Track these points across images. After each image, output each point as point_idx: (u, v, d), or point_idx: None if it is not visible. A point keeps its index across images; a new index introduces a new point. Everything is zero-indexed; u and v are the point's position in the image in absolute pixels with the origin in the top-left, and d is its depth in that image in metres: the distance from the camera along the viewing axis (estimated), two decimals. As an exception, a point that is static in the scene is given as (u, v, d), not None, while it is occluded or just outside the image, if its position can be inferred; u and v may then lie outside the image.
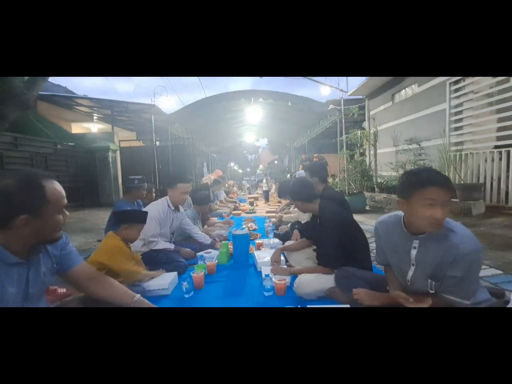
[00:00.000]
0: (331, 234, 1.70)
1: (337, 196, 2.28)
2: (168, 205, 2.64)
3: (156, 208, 2.54)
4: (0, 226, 0.92)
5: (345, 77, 7.42)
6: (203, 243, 2.91)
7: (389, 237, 1.35)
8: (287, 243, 2.49)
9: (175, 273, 2.14)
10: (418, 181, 1.11)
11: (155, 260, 2.35)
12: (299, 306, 1.49)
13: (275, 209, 5.27)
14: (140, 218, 1.98)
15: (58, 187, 1.01)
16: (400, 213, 1.29)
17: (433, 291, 1.22)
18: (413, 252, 1.25)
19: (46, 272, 1.09)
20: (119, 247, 1.85)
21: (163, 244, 2.49)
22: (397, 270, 1.36)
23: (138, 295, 1.34)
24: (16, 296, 0.97)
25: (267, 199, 7.28)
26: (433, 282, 1.20)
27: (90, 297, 1.30)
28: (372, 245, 2.54)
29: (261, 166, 30.65)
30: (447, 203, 1.10)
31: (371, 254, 1.92)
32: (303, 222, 2.97)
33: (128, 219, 1.94)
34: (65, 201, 1.03)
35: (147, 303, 1.35)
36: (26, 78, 3.41)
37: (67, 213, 1.07)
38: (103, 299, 1.26)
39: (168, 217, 2.64)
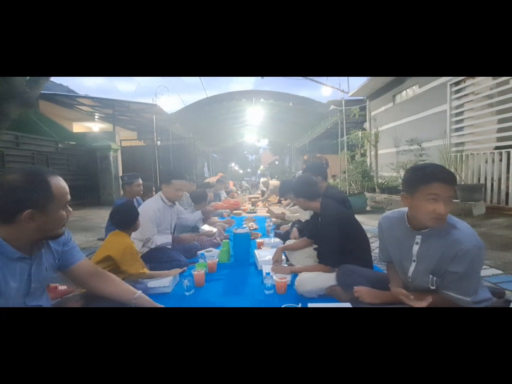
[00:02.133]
0: (332, 232, 1.71)
1: (339, 195, 2.29)
2: (164, 201, 2.57)
3: (151, 208, 2.46)
4: (5, 220, 0.92)
5: (346, 78, 7.42)
6: (197, 223, 2.94)
7: (392, 233, 1.36)
8: (288, 242, 2.50)
9: (176, 271, 2.15)
10: (423, 176, 1.12)
11: (155, 260, 2.36)
12: (300, 304, 1.50)
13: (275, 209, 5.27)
14: (137, 213, 2.04)
15: (62, 183, 1.02)
16: (404, 209, 1.30)
17: (434, 287, 1.22)
18: (415, 248, 1.26)
19: (48, 268, 1.09)
20: (131, 246, 1.87)
21: (160, 239, 2.44)
22: (399, 266, 1.37)
23: (140, 292, 1.34)
24: (18, 291, 0.97)
25: (253, 203, 7.15)
26: (434, 278, 1.21)
27: (91, 293, 1.31)
28: (373, 245, 2.55)
29: (261, 166, 30.63)
30: (451, 199, 1.12)
31: (373, 254, 1.93)
32: (303, 221, 2.97)
33: (134, 219, 1.98)
34: (69, 197, 1.04)
35: (149, 300, 1.36)
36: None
37: (71, 209, 1.07)
38: (105, 296, 1.27)
39: (166, 213, 2.57)
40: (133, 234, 2.41)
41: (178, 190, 2.59)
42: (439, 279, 1.20)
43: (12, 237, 0.94)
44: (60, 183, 1.01)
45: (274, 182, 7.10)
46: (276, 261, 2.09)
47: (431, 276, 1.21)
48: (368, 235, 2.02)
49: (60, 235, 1.07)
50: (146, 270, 1.93)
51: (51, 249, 1.12)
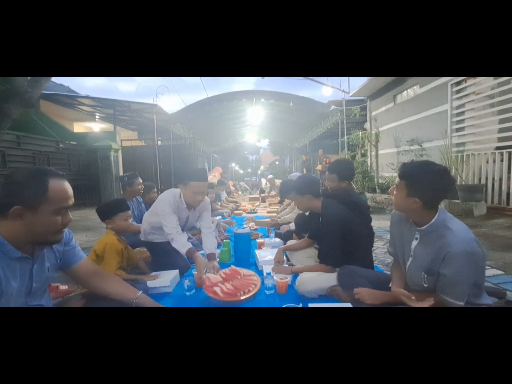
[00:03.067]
0: (333, 232, 1.71)
1: (362, 202, 2.19)
2: (181, 200, 2.24)
3: (166, 197, 2.20)
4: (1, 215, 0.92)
5: (346, 78, 7.44)
6: (195, 223, 2.55)
7: (399, 226, 1.39)
8: (289, 242, 2.50)
9: (176, 271, 2.15)
10: None
11: (156, 259, 2.35)
12: (300, 304, 1.50)
13: (276, 209, 5.27)
14: (115, 208, 1.96)
15: (64, 187, 0.99)
16: None
17: (426, 285, 1.23)
18: (414, 243, 1.28)
19: (50, 268, 1.10)
20: (111, 244, 1.89)
21: (177, 242, 2.09)
22: (402, 261, 1.40)
23: (141, 292, 1.34)
24: (19, 290, 0.97)
25: (263, 199, 7.18)
26: (426, 276, 1.22)
27: (93, 293, 1.31)
28: (374, 245, 2.54)
29: (262, 166, 30.62)
30: (398, 189, 1.25)
31: (373, 254, 1.92)
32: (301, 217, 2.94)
33: (105, 213, 1.96)
34: (69, 203, 1.01)
35: (150, 300, 1.36)
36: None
37: (71, 217, 1.03)
38: (106, 295, 1.27)
39: (179, 212, 2.25)
40: (155, 222, 2.24)
41: (197, 193, 2.17)
42: (431, 278, 1.21)
43: (9, 235, 0.93)
44: (61, 186, 0.98)
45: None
46: (277, 262, 2.09)
47: (423, 273, 1.23)
48: (369, 235, 2.02)
49: (54, 241, 1.04)
50: (122, 273, 1.87)
51: (53, 248, 1.12)
